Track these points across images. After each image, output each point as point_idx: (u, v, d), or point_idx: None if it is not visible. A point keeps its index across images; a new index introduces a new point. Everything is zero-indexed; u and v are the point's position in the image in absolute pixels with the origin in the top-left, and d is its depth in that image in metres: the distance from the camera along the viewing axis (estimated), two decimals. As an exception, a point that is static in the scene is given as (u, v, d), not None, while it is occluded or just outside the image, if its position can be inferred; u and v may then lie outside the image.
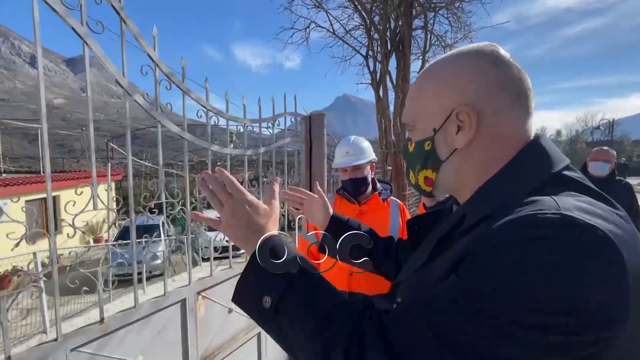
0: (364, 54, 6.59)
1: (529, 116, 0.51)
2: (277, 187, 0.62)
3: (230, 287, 2.03)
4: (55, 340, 1.18)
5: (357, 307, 0.47)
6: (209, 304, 1.84)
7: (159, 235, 7.51)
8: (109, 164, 9.15)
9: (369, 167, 1.63)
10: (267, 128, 2.19)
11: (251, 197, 0.58)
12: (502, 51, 0.51)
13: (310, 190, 0.96)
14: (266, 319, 0.51)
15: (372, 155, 1.63)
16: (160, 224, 7.58)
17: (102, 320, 1.31)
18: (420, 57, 6.57)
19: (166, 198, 1.59)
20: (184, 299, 1.67)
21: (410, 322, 0.41)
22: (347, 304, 0.48)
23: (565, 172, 0.47)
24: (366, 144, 1.64)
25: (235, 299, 0.55)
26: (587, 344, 0.34)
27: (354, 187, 1.62)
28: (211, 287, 1.84)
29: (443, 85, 0.53)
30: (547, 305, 0.34)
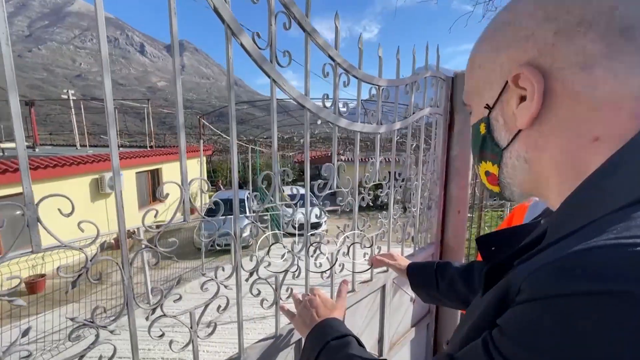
0: None
1: None
2: (344, 289, 0.84)
3: (351, 316, 1.51)
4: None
5: None
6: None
7: (245, 209, 7.71)
8: (201, 140, 9.63)
9: None
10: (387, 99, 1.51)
11: (319, 296, 0.78)
12: None
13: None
14: None
15: None
16: (245, 198, 7.76)
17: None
18: None
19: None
20: (299, 340, 1.19)
21: None
22: None
23: None
24: None
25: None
26: None
27: None
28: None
29: (495, 45, 0.36)
30: None
